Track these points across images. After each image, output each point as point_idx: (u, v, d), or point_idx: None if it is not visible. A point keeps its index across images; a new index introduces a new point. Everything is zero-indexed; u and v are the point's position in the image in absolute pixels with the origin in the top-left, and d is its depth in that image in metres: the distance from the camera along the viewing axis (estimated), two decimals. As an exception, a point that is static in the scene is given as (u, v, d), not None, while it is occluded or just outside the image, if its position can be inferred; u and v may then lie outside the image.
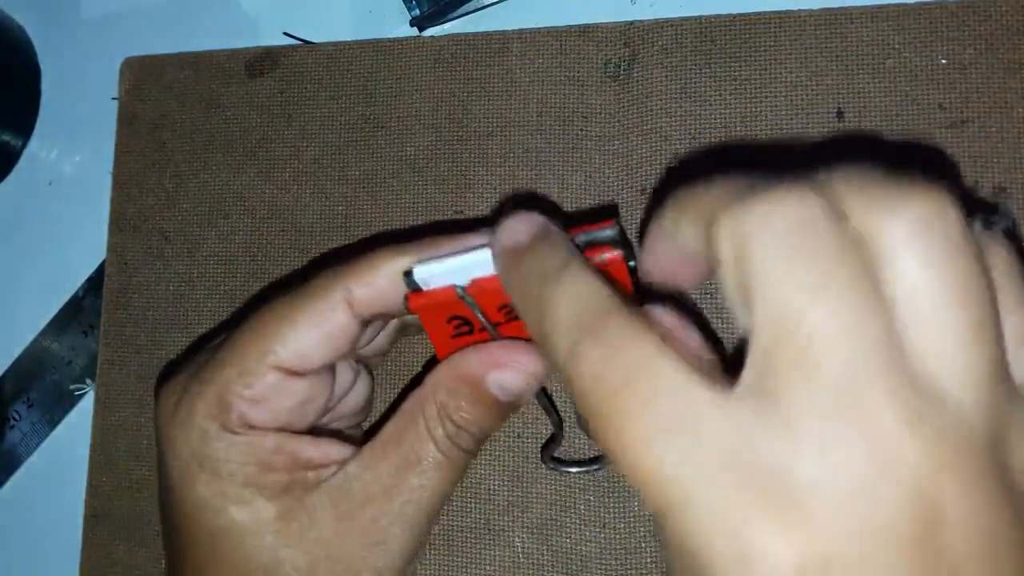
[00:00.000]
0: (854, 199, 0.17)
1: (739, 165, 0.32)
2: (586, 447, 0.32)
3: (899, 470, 0.15)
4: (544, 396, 0.29)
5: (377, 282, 0.25)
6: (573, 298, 0.19)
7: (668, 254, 0.21)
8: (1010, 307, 0.17)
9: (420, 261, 0.25)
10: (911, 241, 0.16)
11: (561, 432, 0.31)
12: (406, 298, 0.25)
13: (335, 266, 0.26)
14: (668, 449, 0.15)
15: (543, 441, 0.32)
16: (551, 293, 0.19)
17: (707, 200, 0.18)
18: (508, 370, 0.25)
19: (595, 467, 0.30)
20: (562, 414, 0.31)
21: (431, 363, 0.34)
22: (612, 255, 0.24)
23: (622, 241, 0.24)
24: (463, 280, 0.24)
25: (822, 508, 0.14)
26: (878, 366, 0.15)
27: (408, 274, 0.25)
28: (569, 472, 0.31)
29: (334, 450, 0.26)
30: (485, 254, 0.24)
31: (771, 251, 0.16)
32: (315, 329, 0.25)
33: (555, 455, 0.31)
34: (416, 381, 0.33)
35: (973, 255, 0.16)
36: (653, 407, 0.16)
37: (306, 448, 0.26)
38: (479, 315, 0.25)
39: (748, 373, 0.16)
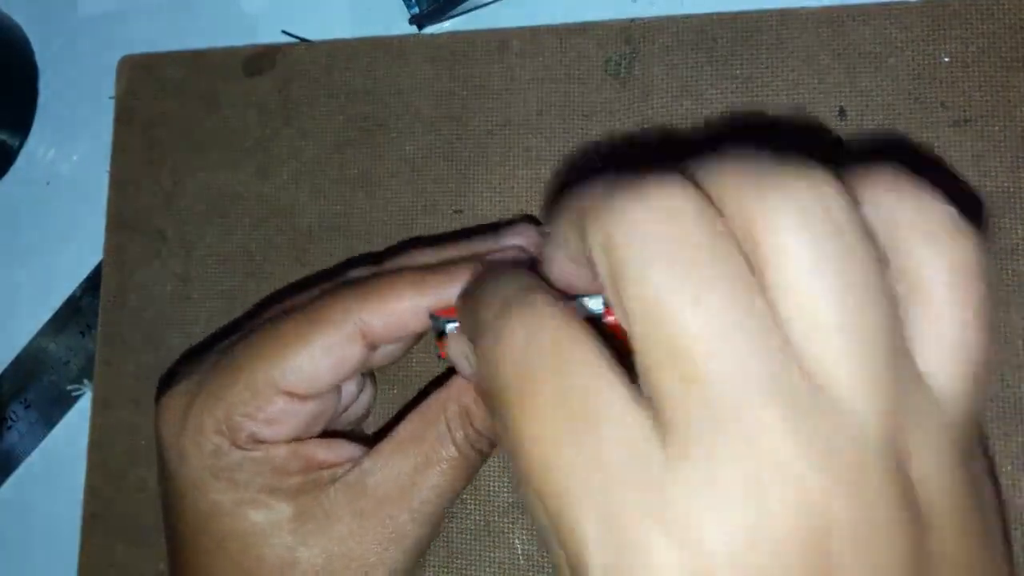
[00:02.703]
0: (728, 189, 0.15)
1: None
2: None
3: (787, 487, 0.14)
4: None
5: (396, 319, 0.25)
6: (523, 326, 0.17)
7: (562, 262, 0.20)
8: (924, 292, 0.16)
9: (448, 321, 0.25)
10: (788, 233, 0.14)
11: None
12: (436, 345, 0.25)
13: (348, 290, 0.26)
14: (568, 448, 0.15)
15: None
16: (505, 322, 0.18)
17: (581, 203, 0.17)
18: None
19: None
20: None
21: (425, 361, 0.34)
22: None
23: None
24: None
25: (711, 524, 0.14)
26: (759, 379, 0.14)
27: (434, 316, 0.25)
28: None
29: (346, 450, 0.27)
30: None
31: (636, 252, 0.15)
32: (327, 358, 0.25)
33: None
34: (409, 379, 0.33)
35: (859, 245, 0.15)
36: (564, 403, 0.15)
37: (319, 451, 0.26)
38: None
39: (641, 382, 0.15)
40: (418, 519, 0.26)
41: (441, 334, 0.25)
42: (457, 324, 0.25)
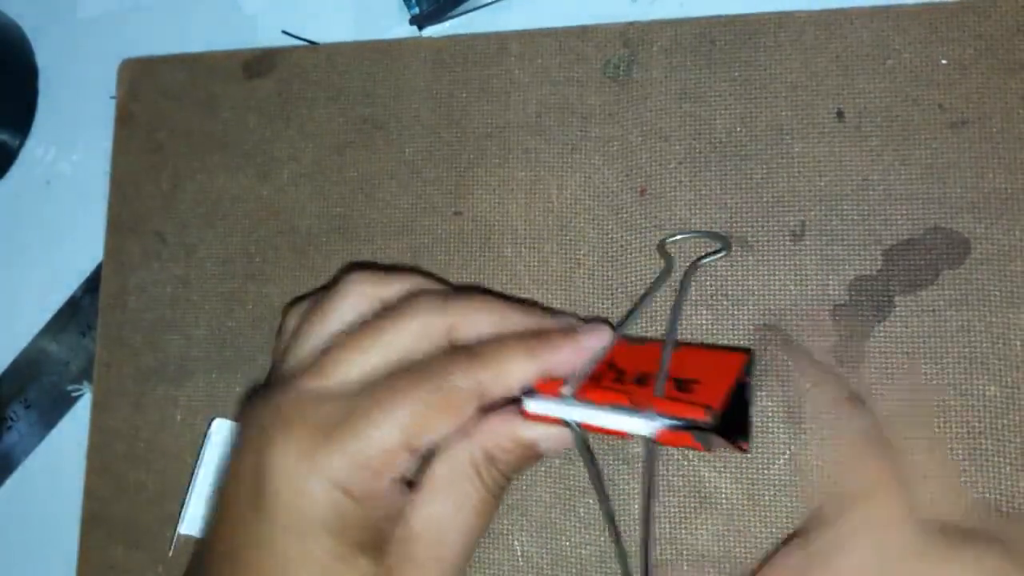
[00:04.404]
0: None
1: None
2: None
3: None
4: (620, 546, 0.30)
5: (508, 385, 0.27)
6: None
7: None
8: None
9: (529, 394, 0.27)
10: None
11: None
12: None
13: (468, 358, 0.27)
14: None
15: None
16: None
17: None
18: (552, 440, 0.28)
19: None
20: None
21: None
22: (693, 444, 0.26)
23: (716, 427, 0.26)
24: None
25: None
26: None
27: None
28: None
29: (399, 498, 0.27)
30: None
31: None
32: (450, 426, 0.26)
33: None
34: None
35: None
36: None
37: (396, 500, 0.27)
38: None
39: None
40: (458, 562, 0.27)
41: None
42: (536, 399, 0.27)
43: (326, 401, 0.26)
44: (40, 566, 0.38)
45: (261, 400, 0.27)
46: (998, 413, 0.29)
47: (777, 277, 0.32)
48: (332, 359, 0.27)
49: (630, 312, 0.32)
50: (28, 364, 0.40)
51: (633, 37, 0.34)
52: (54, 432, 0.39)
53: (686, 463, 0.31)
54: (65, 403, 0.39)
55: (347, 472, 0.25)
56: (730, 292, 0.32)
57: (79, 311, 0.40)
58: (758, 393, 0.31)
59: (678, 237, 0.32)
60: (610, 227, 0.33)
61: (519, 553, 0.32)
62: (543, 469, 0.32)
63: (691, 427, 0.25)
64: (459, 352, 0.27)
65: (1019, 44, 0.31)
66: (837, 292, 0.31)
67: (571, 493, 0.32)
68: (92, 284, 0.39)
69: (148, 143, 0.39)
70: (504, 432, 0.27)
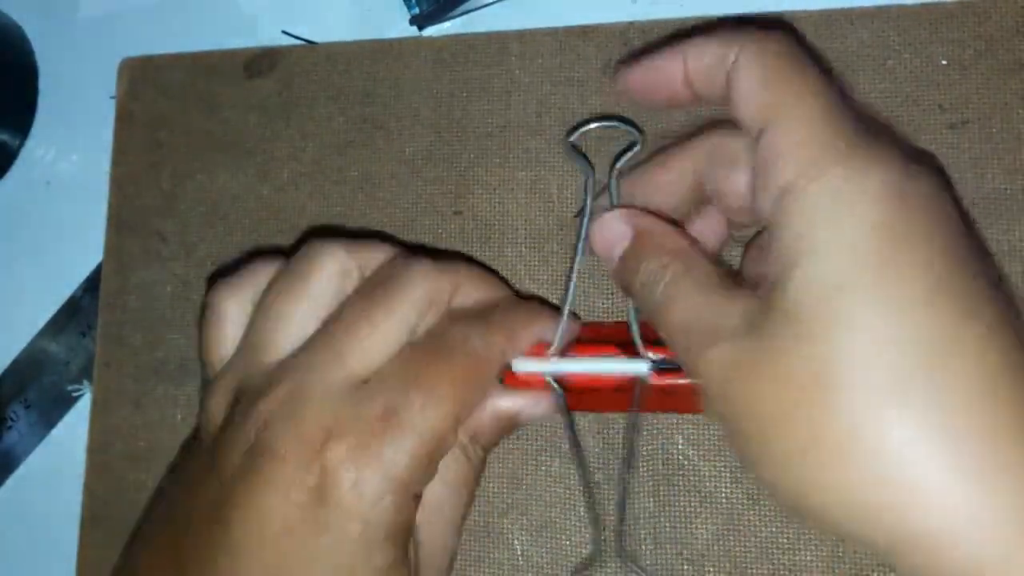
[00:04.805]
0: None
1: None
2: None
3: None
4: (594, 512, 0.30)
5: (521, 353, 0.27)
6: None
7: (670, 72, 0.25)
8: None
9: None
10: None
11: (598, 556, 0.31)
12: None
13: (480, 322, 0.27)
14: None
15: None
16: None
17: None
18: (534, 407, 0.28)
19: None
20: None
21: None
22: (687, 384, 0.26)
23: None
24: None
25: None
26: None
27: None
28: None
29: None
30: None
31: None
32: (483, 396, 0.26)
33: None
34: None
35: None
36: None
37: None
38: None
39: None
40: (457, 540, 0.27)
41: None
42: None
43: (362, 389, 0.24)
44: (40, 566, 0.38)
45: (255, 392, 0.24)
46: (998, 413, 0.29)
47: (777, 277, 0.32)
48: (348, 337, 0.25)
49: (578, 238, 0.28)
50: (28, 364, 0.40)
51: (633, 37, 0.34)
52: (54, 432, 0.39)
53: (686, 463, 0.31)
54: (65, 403, 0.39)
55: (410, 467, 0.23)
56: (730, 292, 0.32)
57: (79, 311, 0.40)
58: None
59: (585, 129, 0.28)
60: (610, 227, 0.33)
61: (519, 553, 0.32)
62: (543, 469, 0.32)
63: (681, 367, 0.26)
64: (473, 320, 0.26)
65: (1019, 44, 0.31)
66: (837, 292, 0.31)
67: (571, 493, 0.32)
68: (92, 284, 0.39)
69: (148, 143, 0.39)
70: (485, 408, 0.27)
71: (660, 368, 0.27)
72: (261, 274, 0.27)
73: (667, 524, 0.31)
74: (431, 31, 0.37)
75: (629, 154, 0.28)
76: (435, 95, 0.36)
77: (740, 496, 0.30)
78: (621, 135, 0.28)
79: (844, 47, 0.32)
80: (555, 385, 0.27)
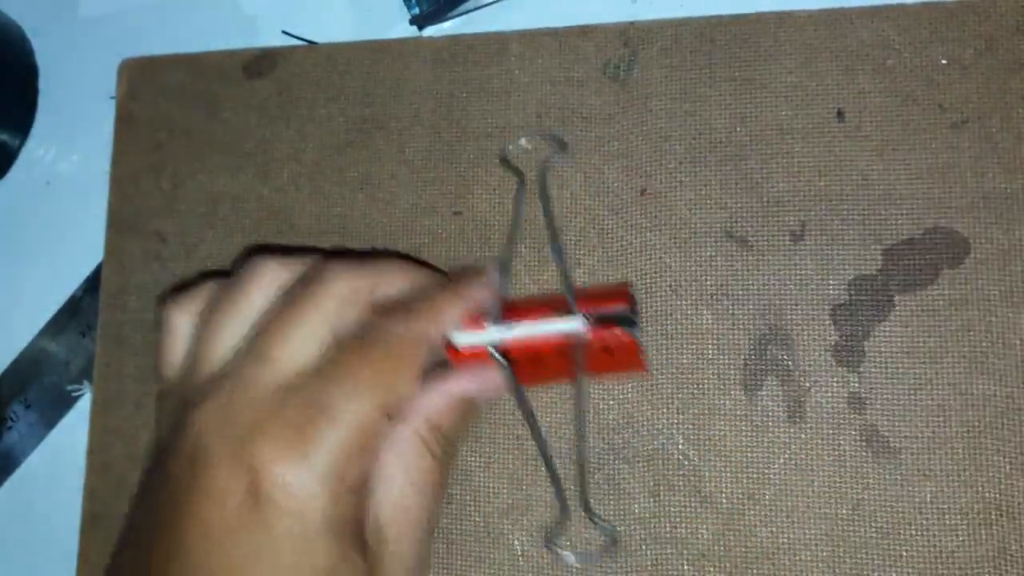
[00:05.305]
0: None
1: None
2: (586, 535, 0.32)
3: None
4: (554, 474, 0.31)
5: (447, 331, 0.28)
6: None
7: None
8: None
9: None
10: None
11: (566, 515, 0.32)
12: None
13: (401, 310, 0.27)
14: None
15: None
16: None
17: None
18: (485, 384, 0.28)
19: (595, 560, 0.31)
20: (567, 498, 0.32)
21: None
22: (623, 336, 0.28)
23: (633, 320, 0.28)
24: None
25: None
26: None
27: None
28: (569, 562, 0.32)
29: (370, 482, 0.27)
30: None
31: None
32: (414, 383, 0.26)
33: (557, 540, 0.32)
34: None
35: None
36: None
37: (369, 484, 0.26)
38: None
39: None
40: (429, 536, 0.27)
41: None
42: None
43: (288, 388, 0.25)
44: (40, 566, 0.38)
45: (192, 403, 0.25)
46: (998, 413, 0.29)
47: (777, 277, 0.32)
48: (272, 339, 0.25)
49: (510, 236, 0.33)
50: (28, 364, 0.40)
51: (633, 37, 0.34)
52: (54, 432, 0.39)
53: (686, 463, 0.31)
54: (65, 403, 0.39)
55: (340, 459, 0.24)
56: (730, 292, 0.32)
57: (79, 311, 0.40)
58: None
59: (515, 144, 0.34)
60: (610, 227, 0.33)
61: (519, 553, 0.32)
62: (543, 470, 0.32)
63: (618, 319, 0.28)
64: (394, 310, 0.27)
65: (1019, 43, 0.31)
66: (837, 292, 0.31)
67: (571, 493, 0.32)
68: (92, 284, 0.39)
69: (148, 143, 0.39)
70: (439, 396, 0.27)
71: (597, 322, 0.28)
72: (208, 290, 0.28)
73: (667, 524, 0.31)
74: (431, 31, 0.37)
75: (554, 161, 0.33)
76: (435, 95, 0.36)
77: (740, 496, 0.30)
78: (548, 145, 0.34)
79: (844, 47, 0.32)
80: (498, 356, 0.28)
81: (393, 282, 0.28)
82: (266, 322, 0.26)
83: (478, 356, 0.28)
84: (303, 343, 0.25)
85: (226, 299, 0.27)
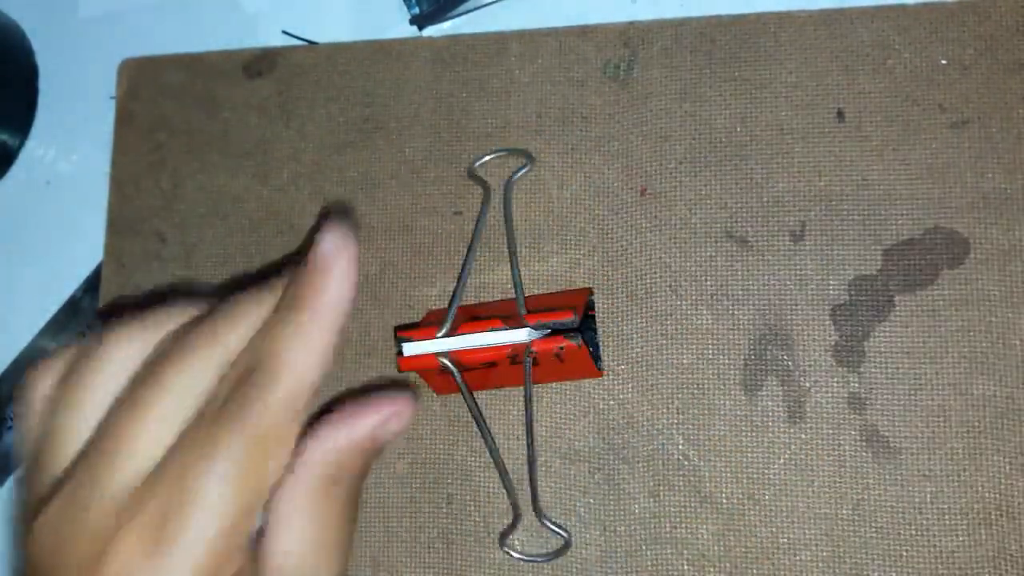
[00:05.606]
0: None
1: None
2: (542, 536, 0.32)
3: None
4: (507, 479, 0.32)
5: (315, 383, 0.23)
6: None
7: None
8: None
9: (404, 341, 0.31)
10: None
11: (519, 516, 0.32)
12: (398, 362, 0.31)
13: (258, 374, 0.22)
14: None
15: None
16: None
17: None
18: (394, 423, 0.24)
19: (542, 559, 0.32)
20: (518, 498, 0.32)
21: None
22: (569, 344, 0.30)
23: (581, 329, 0.30)
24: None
25: None
26: None
27: (397, 337, 0.31)
28: (521, 559, 0.32)
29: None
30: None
31: None
32: (285, 457, 0.22)
33: (511, 540, 0.32)
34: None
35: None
36: None
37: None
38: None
39: None
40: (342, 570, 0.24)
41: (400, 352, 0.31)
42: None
43: (141, 492, 0.21)
44: (40, 566, 0.38)
45: (33, 511, 0.22)
46: (998, 413, 0.29)
47: (777, 277, 0.32)
48: (120, 433, 0.22)
49: (470, 245, 0.34)
50: (28, 364, 0.40)
51: (633, 37, 0.34)
52: (54, 432, 0.39)
53: (686, 463, 0.31)
54: (65, 403, 0.39)
55: (202, 559, 0.21)
56: (730, 292, 0.32)
57: (80, 311, 0.40)
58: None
59: (485, 159, 0.35)
60: (610, 227, 0.33)
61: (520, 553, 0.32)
62: (543, 470, 0.32)
63: (562, 330, 0.30)
64: (254, 375, 0.22)
65: (1019, 44, 0.31)
66: (837, 292, 0.31)
67: (571, 493, 0.32)
68: (92, 284, 0.39)
69: (148, 143, 0.39)
70: (337, 442, 0.23)
71: (544, 334, 0.30)
72: (69, 355, 0.24)
73: (667, 524, 0.31)
74: (431, 31, 0.37)
75: (522, 171, 0.34)
76: (435, 95, 0.36)
77: (740, 496, 0.30)
78: (516, 159, 0.35)
79: (844, 47, 0.32)
80: (449, 365, 0.30)
81: (245, 329, 0.23)
82: (108, 419, 0.22)
83: (427, 362, 0.31)
84: (149, 442, 0.22)
85: (73, 377, 0.24)
